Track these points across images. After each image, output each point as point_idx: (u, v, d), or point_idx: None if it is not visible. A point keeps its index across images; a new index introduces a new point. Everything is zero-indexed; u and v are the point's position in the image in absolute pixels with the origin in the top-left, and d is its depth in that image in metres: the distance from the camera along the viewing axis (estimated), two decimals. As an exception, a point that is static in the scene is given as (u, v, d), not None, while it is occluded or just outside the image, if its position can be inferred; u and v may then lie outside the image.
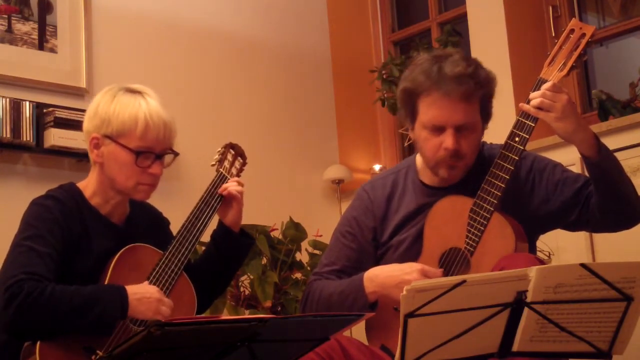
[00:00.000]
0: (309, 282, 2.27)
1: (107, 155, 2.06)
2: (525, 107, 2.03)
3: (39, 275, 1.88)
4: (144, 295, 1.96)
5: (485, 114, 2.15)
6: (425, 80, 2.08)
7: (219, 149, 2.30)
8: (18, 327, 1.88)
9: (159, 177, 2.09)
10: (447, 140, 2.07)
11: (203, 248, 2.35)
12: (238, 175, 2.29)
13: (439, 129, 2.08)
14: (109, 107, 2.05)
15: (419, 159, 2.27)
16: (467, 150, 2.10)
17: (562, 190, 2.12)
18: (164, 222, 2.30)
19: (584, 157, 2.02)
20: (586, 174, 2.12)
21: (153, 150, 2.06)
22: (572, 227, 2.17)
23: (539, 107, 2.00)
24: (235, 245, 2.24)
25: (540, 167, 2.17)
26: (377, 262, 2.25)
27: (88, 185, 2.12)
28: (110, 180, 2.07)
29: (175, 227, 2.16)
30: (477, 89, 2.07)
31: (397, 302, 1.99)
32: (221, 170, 2.25)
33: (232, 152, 2.31)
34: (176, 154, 2.15)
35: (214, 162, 2.27)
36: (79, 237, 2.02)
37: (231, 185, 2.20)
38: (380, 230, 2.24)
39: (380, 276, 2.09)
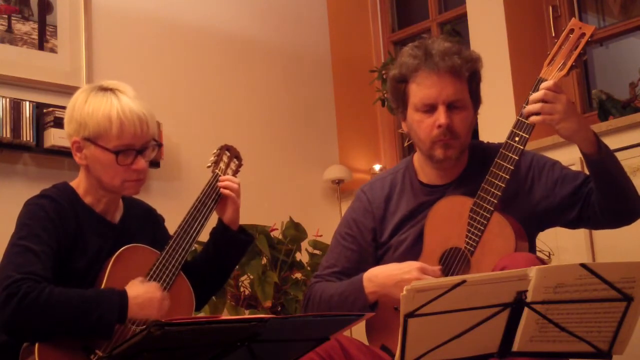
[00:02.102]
0: (310, 285, 2.27)
1: (90, 157, 2.06)
2: (532, 119, 2.02)
3: (36, 275, 1.88)
4: (146, 298, 1.96)
5: (475, 97, 2.17)
6: (412, 62, 2.13)
7: (215, 151, 2.30)
8: (15, 327, 1.88)
9: (144, 171, 2.09)
10: (440, 116, 2.09)
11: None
12: (234, 176, 2.30)
13: (430, 108, 2.11)
14: (82, 109, 2.05)
15: (416, 158, 2.27)
16: (460, 128, 2.12)
17: (561, 187, 2.12)
18: (158, 219, 2.30)
19: (584, 155, 2.02)
20: (586, 172, 2.13)
21: (133, 147, 2.05)
22: (572, 224, 2.17)
23: (539, 112, 1.99)
24: (233, 242, 2.25)
25: (539, 165, 2.17)
26: (378, 262, 2.26)
27: (80, 184, 2.12)
28: (97, 180, 2.08)
29: (174, 227, 2.16)
30: (463, 64, 2.11)
31: (397, 302, 2.00)
32: (217, 171, 2.26)
33: (228, 153, 2.32)
34: (160, 145, 2.14)
35: (209, 164, 2.27)
36: (74, 235, 2.02)
37: (227, 182, 2.21)
38: (379, 231, 2.24)
39: (379, 276, 2.09)
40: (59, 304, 1.86)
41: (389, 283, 2.06)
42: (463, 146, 2.16)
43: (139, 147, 2.06)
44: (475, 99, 2.18)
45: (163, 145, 3.62)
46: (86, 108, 2.05)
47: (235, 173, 2.32)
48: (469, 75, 2.13)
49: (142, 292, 1.97)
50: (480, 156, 2.20)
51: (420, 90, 2.12)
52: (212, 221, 2.25)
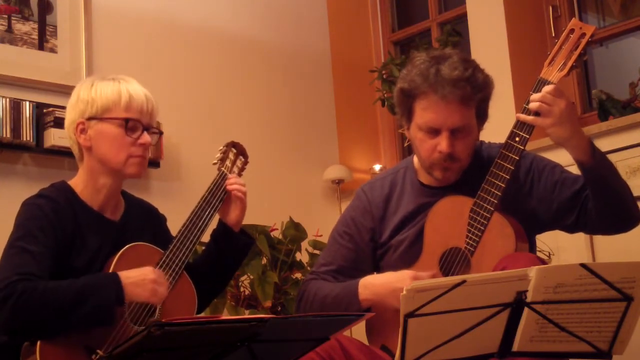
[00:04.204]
0: (305, 281, 2.28)
1: (95, 136, 2.07)
2: (522, 116, 2.02)
3: (32, 275, 1.88)
4: (138, 278, 1.95)
5: (482, 116, 2.15)
6: (422, 83, 2.07)
7: (221, 148, 2.29)
8: (15, 327, 1.88)
9: (148, 148, 2.11)
10: (442, 143, 2.07)
11: (203, 248, 2.34)
12: (239, 174, 2.30)
13: (434, 132, 2.09)
14: (89, 91, 2.09)
15: (416, 159, 2.27)
16: (462, 153, 2.10)
17: (560, 191, 2.12)
18: (160, 218, 2.30)
19: (577, 161, 2.02)
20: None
21: (140, 121, 2.08)
22: (570, 229, 2.17)
23: (536, 111, 1.99)
24: (235, 244, 2.25)
25: (539, 167, 2.17)
26: (377, 262, 2.26)
27: (78, 181, 2.12)
28: (101, 161, 2.08)
29: (176, 227, 2.15)
30: (474, 93, 2.07)
31: (391, 310, 2.01)
32: (223, 169, 2.25)
33: (234, 150, 2.31)
34: (161, 132, 2.17)
35: (215, 161, 2.26)
36: (72, 234, 2.02)
37: (237, 184, 2.21)
38: (379, 231, 2.24)
39: (375, 284, 2.10)
40: (55, 297, 1.86)
41: (383, 292, 2.06)
42: (463, 167, 2.15)
43: (145, 123, 2.09)
44: (482, 118, 2.15)
45: (162, 142, 3.62)
46: (93, 89, 2.09)
47: (241, 171, 2.31)
48: (476, 103, 2.09)
49: (135, 274, 1.96)
50: (481, 157, 2.20)
51: (425, 114, 2.08)
52: (214, 221, 2.24)
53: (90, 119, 2.07)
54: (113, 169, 2.08)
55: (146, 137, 2.08)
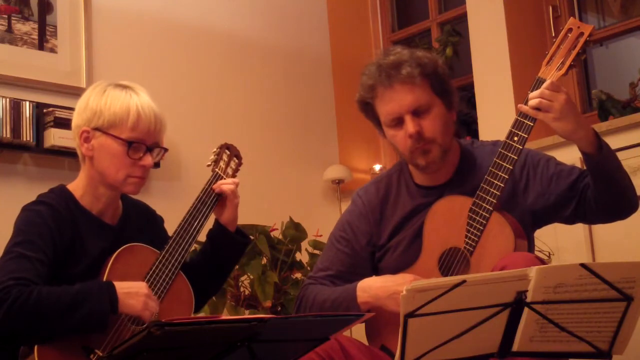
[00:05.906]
0: (304, 286, 2.28)
1: (98, 148, 2.06)
2: (524, 108, 2.03)
3: (26, 280, 1.87)
4: (132, 290, 1.95)
5: (442, 93, 2.15)
6: (368, 82, 2.15)
7: (215, 150, 2.30)
8: (9, 332, 1.87)
9: (148, 170, 2.10)
10: (408, 126, 2.10)
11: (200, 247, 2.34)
12: (234, 175, 2.30)
13: (398, 122, 2.12)
14: (99, 100, 2.06)
15: (409, 161, 2.28)
16: (431, 130, 2.11)
17: (557, 183, 2.12)
18: (157, 220, 2.30)
19: (583, 153, 2.02)
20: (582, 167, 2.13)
21: (144, 142, 2.06)
22: (569, 220, 2.16)
23: (537, 108, 1.99)
24: (230, 243, 2.25)
25: (534, 162, 2.17)
26: (376, 264, 2.26)
27: (78, 185, 2.11)
28: (101, 174, 2.07)
29: (174, 228, 2.15)
30: (413, 69, 2.10)
31: (389, 313, 2.01)
32: (217, 170, 2.26)
33: (228, 152, 2.32)
34: (165, 150, 2.15)
35: (209, 163, 2.27)
36: (72, 240, 2.02)
37: (224, 183, 2.21)
38: (376, 234, 2.24)
39: (373, 287, 2.10)
40: (49, 303, 1.86)
41: (382, 295, 2.06)
42: (443, 146, 2.14)
43: (149, 144, 2.07)
44: (444, 95, 2.16)
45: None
46: (104, 98, 2.06)
47: (235, 172, 2.32)
48: (424, 78, 2.11)
49: (128, 285, 1.96)
50: (473, 156, 2.20)
51: (382, 108, 2.14)
52: (211, 221, 2.24)
53: (95, 129, 2.06)
54: (110, 184, 2.08)
55: (148, 160, 2.07)
